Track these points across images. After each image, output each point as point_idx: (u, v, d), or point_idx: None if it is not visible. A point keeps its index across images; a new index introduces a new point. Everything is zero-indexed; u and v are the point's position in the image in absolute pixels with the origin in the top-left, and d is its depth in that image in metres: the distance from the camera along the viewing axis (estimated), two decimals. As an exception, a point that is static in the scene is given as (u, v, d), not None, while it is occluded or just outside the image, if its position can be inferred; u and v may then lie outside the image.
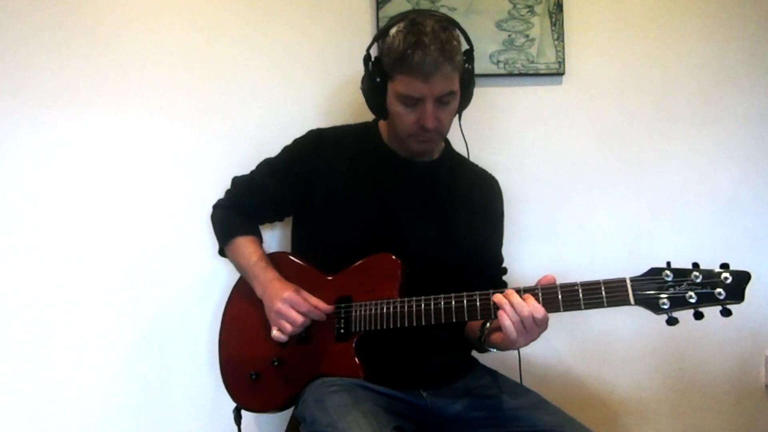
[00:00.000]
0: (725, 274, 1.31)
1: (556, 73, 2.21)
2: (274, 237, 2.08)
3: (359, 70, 1.74)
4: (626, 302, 1.37)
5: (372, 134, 1.83)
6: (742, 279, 1.31)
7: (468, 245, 1.79)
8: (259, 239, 1.86)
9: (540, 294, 1.44)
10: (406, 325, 1.58)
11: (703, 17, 2.29)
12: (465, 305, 1.52)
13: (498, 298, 1.46)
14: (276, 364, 1.70)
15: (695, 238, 2.27)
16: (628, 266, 2.13)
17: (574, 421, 1.57)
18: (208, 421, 2.10)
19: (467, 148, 1.88)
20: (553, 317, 1.44)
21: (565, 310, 1.42)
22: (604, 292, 1.38)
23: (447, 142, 1.89)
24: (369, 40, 1.75)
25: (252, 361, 1.74)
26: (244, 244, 1.81)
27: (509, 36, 2.17)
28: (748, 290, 1.31)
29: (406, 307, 1.58)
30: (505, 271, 1.90)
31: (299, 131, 1.87)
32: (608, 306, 1.38)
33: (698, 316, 1.33)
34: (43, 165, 2.03)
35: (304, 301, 1.61)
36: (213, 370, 1.88)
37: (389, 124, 1.76)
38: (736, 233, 2.29)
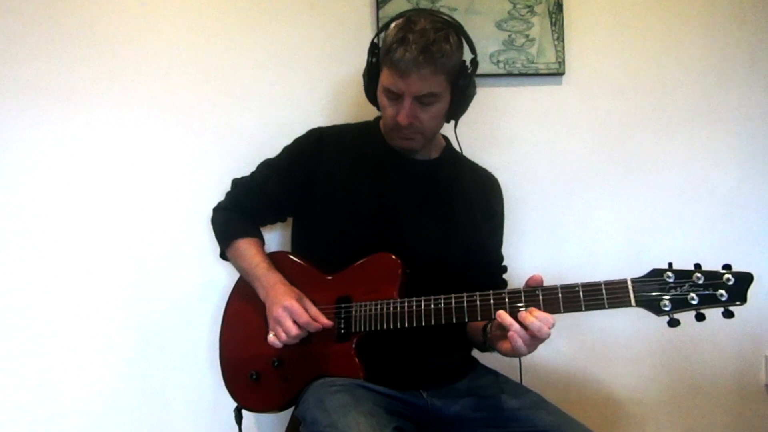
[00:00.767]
0: (727, 276, 1.31)
1: (556, 73, 2.21)
2: (274, 237, 2.07)
3: (359, 70, 1.76)
4: (627, 304, 1.36)
5: (373, 133, 1.83)
6: (744, 280, 1.31)
7: (468, 244, 1.79)
8: (261, 241, 1.85)
9: (540, 296, 1.44)
10: (407, 325, 1.58)
11: (703, 17, 2.29)
12: (465, 306, 1.52)
13: (501, 315, 1.44)
14: (276, 364, 1.69)
15: (695, 238, 2.27)
16: (628, 266, 2.14)
17: (574, 421, 1.57)
18: (209, 420, 2.10)
19: (461, 151, 1.90)
20: (553, 314, 1.43)
21: (565, 311, 1.41)
22: (605, 294, 1.38)
23: (447, 141, 1.89)
24: (369, 40, 1.76)
25: (252, 361, 1.74)
26: (245, 246, 1.80)
27: (509, 36, 2.17)
28: (749, 291, 1.31)
29: (406, 307, 1.58)
30: (505, 269, 1.91)
31: (299, 131, 1.88)
32: (609, 307, 1.38)
33: (700, 317, 1.33)
34: (42, 166, 2.03)
35: (303, 312, 1.60)
36: (214, 370, 1.88)
37: None
38: (736, 233, 2.29)
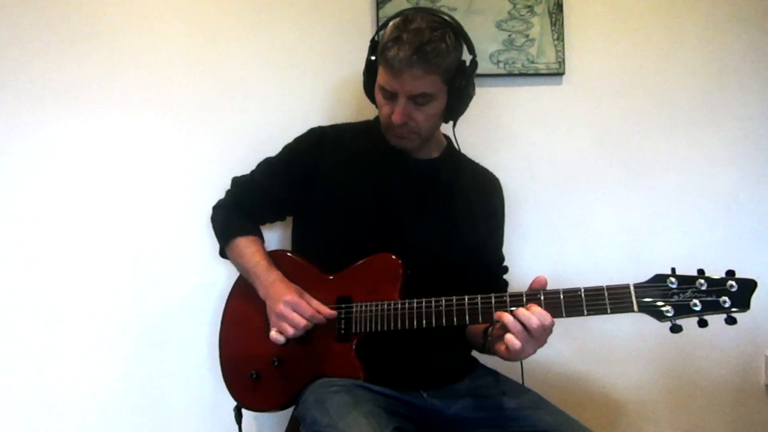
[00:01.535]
0: (731, 282, 1.30)
1: (556, 73, 2.21)
2: (274, 236, 2.07)
3: (359, 70, 1.76)
4: (630, 309, 1.36)
5: (373, 132, 1.81)
6: (747, 287, 1.31)
7: (468, 244, 1.79)
8: (261, 239, 1.85)
9: (542, 299, 1.43)
10: (407, 326, 1.58)
11: (703, 17, 2.28)
12: (466, 308, 1.52)
13: (500, 315, 1.44)
14: (276, 363, 1.69)
15: (695, 238, 2.27)
16: (628, 266, 2.17)
17: (575, 421, 1.57)
18: (209, 419, 2.10)
19: (459, 151, 1.89)
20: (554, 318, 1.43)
21: (567, 316, 1.41)
22: (607, 299, 1.38)
23: (449, 141, 1.89)
24: (369, 40, 1.76)
25: (252, 360, 1.74)
26: (245, 244, 1.80)
27: (509, 36, 2.17)
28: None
29: (407, 308, 1.58)
30: (505, 270, 1.91)
31: (299, 131, 1.87)
32: (611, 313, 1.38)
33: (702, 324, 1.33)
34: (42, 166, 2.03)
35: (307, 305, 1.61)
36: (214, 370, 1.88)
37: None
38: (737, 233, 2.29)
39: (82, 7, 2.03)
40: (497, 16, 2.16)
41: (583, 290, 1.41)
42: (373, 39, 1.73)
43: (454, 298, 1.54)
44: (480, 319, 1.52)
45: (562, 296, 1.42)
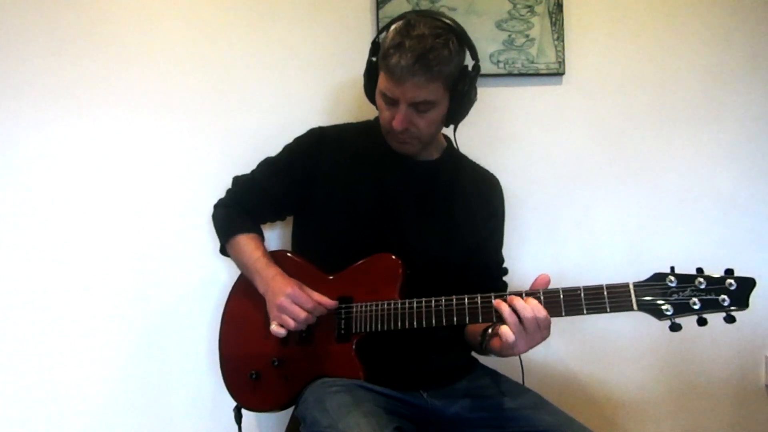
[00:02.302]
0: (730, 280, 1.30)
1: (556, 73, 2.21)
2: (274, 236, 2.07)
3: (359, 70, 1.75)
4: (629, 308, 1.36)
5: (373, 133, 1.81)
6: (746, 285, 1.30)
7: (468, 244, 1.79)
8: (261, 237, 1.86)
9: (542, 298, 1.43)
10: (407, 326, 1.58)
11: (703, 17, 2.28)
12: (466, 307, 1.52)
13: (498, 302, 1.45)
14: (276, 363, 1.69)
15: (695, 238, 2.27)
16: (628, 266, 2.17)
17: (574, 422, 1.57)
18: (209, 419, 2.10)
19: (459, 152, 1.89)
20: (554, 317, 1.43)
21: (567, 315, 1.41)
22: (606, 297, 1.38)
23: (449, 142, 1.88)
24: (369, 40, 1.76)
25: (252, 360, 1.74)
26: (245, 241, 1.80)
27: (509, 36, 2.17)
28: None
29: (407, 308, 1.58)
30: (505, 271, 1.90)
31: (300, 131, 1.87)
32: (611, 311, 1.38)
33: (702, 322, 1.32)
34: (43, 166, 2.03)
35: (307, 297, 1.61)
36: (214, 369, 1.88)
37: None
38: (736, 233, 2.29)
39: (82, 7, 2.03)
40: (497, 16, 2.16)
41: (582, 289, 1.40)
42: (374, 41, 1.72)
43: (454, 297, 1.54)
44: (480, 318, 1.51)
45: (561, 295, 1.42)
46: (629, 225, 2.27)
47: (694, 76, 2.29)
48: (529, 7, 2.17)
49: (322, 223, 1.77)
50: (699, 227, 2.28)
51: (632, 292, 1.36)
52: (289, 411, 1.79)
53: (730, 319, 1.31)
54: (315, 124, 1.89)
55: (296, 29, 2.13)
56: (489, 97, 2.16)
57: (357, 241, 1.72)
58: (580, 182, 2.25)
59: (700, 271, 1.34)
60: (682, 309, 1.32)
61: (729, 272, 1.33)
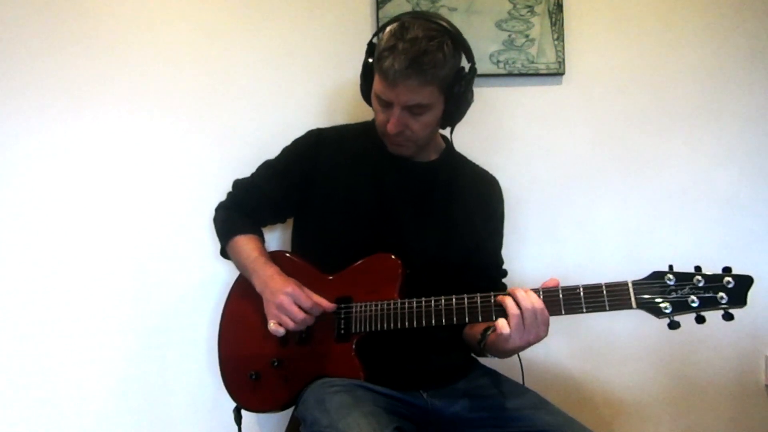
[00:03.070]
0: (727, 278, 1.31)
1: (556, 73, 2.21)
2: (274, 237, 2.07)
3: (359, 70, 1.75)
4: (628, 306, 1.37)
5: (372, 134, 1.80)
6: (744, 283, 1.31)
7: (468, 245, 1.79)
8: (261, 238, 1.86)
9: (542, 297, 1.44)
10: (407, 326, 1.58)
11: (703, 17, 2.28)
12: (466, 306, 1.53)
13: (501, 297, 1.46)
14: (276, 364, 1.70)
15: (695, 238, 2.27)
16: (628, 266, 2.16)
17: (574, 421, 1.57)
18: (209, 420, 2.10)
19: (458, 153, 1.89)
20: (554, 317, 1.44)
21: (566, 313, 1.41)
22: (605, 296, 1.38)
23: (447, 142, 1.88)
24: (369, 40, 1.74)
25: (251, 361, 1.74)
26: (244, 242, 1.80)
27: (509, 36, 2.17)
28: (749, 293, 1.31)
29: (406, 308, 1.58)
30: (505, 273, 1.90)
31: (300, 131, 1.88)
32: (610, 309, 1.38)
33: (700, 320, 1.33)
34: (43, 166, 2.03)
35: (307, 297, 1.61)
36: (213, 370, 1.88)
37: None
38: (736, 233, 2.29)
39: (82, 7, 2.04)
40: (497, 16, 2.16)
41: (581, 287, 1.41)
42: (371, 42, 1.71)
43: (454, 297, 1.54)
44: (480, 318, 1.52)
45: (561, 293, 1.43)
46: (629, 225, 2.27)
47: (694, 76, 2.29)
48: (529, 7, 2.17)
49: (321, 224, 1.77)
50: (699, 227, 2.28)
51: (631, 290, 1.37)
52: (289, 411, 1.79)
53: (728, 317, 1.32)
54: (315, 124, 1.90)
55: (296, 29, 2.13)
56: (489, 97, 2.17)
57: (356, 242, 1.72)
58: (580, 182, 2.25)
59: (698, 269, 1.35)
60: (681, 307, 1.33)
61: (727, 270, 1.34)
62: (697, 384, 2.31)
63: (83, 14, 2.04)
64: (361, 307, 1.64)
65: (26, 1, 2.01)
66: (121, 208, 2.07)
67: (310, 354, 1.67)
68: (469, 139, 1.88)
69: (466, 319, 1.53)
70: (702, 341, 2.30)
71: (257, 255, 1.74)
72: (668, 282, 1.34)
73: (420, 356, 1.70)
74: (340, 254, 1.72)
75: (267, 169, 1.87)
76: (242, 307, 1.80)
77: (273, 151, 1.88)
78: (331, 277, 1.72)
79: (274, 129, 2.01)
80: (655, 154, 2.27)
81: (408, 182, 1.78)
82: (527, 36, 2.18)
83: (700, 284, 1.32)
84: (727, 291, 1.30)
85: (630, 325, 2.25)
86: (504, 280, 1.89)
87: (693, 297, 1.32)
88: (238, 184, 1.90)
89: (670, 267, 1.36)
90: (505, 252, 1.91)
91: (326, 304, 1.63)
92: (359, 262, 1.70)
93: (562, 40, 2.19)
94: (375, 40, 1.69)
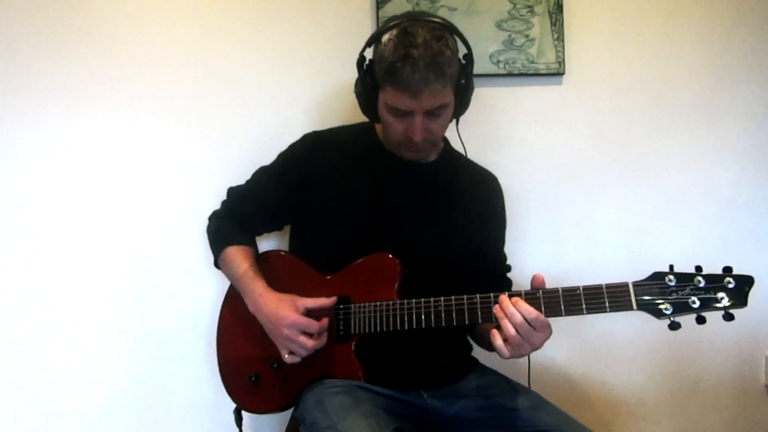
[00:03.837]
0: (728, 279, 1.31)
1: (556, 73, 2.21)
2: (272, 241, 2.06)
3: (359, 72, 1.74)
4: (629, 307, 1.36)
5: (369, 135, 1.81)
6: (745, 284, 1.31)
7: (468, 246, 1.79)
8: (251, 248, 1.83)
9: (542, 298, 1.43)
10: (406, 327, 1.57)
11: (703, 17, 2.28)
12: (465, 307, 1.52)
13: (496, 309, 1.45)
14: (275, 365, 1.69)
15: (695, 238, 2.27)
16: (628, 266, 2.16)
17: (574, 421, 1.57)
18: (209, 421, 2.10)
19: (465, 151, 1.88)
20: (554, 318, 1.43)
21: (567, 315, 1.41)
22: (606, 297, 1.38)
23: (446, 141, 1.88)
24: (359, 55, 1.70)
25: (250, 363, 1.74)
26: (233, 254, 1.78)
27: (509, 36, 2.17)
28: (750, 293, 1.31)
29: (405, 309, 1.58)
30: (509, 268, 1.89)
31: (300, 131, 1.87)
32: (610, 311, 1.38)
33: (700, 320, 1.33)
34: (42, 168, 2.03)
35: (309, 322, 1.59)
36: (213, 372, 1.87)
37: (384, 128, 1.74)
38: (736, 233, 2.29)
39: (81, 7, 2.03)
40: (497, 16, 2.16)
41: (582, 289, 1.40)
42: (361, 55, 1.66)
43: (453, 297, 1.54)
44: (479, 318, 1.51)
45: (561, 295, 1.42)
46: (629, 225, 2.27)
47: (694, 76, 2.29)
48: (529, 7, 2.17)
49: (320, 225, 1.76)
50: (699, 227, 2.28)
51: (632, 291, 1.36)
52: (289, 412, 1.78)
53: (728, 317, 1.31)
54: (315, 125, 1.90)
55: (296, 29, 2.13)
56: (489, 97, 2.17)
57: (355, 244, 1.71)
58: (580, 182, 2.25)
59: (698, 269, 1.34)
60: (682, 308, 1.33)
61: (727, 270, 1.33)
62: (697, 384, 2.31)
63: (83, 14, 2.04)
64: (360, 307, 1.64)
65: (26, 1, 2.01)
66: (121, 208, 2.07)
67: (309, 355, 1.66)
68: (470, 139, 1.87)
69: (466, 320, 1.52)
70: (702, 341, 2.30)
71: (245, 268, 1.73)
72: (669, 283, 1.34)
73: (420, 356, 1.69)
74: (338, 256, 1.71)
75: (262, 174, 1.86)
76: (239, 309, 1.77)
77: (273, 152, 1.87)
78: (329, 277, 1.71)
79: (274, 129, 2.02)
80: (656, 154, 2.27)
81: (407, 183, 1.77)
82: (527, 36, 2.17)
83: (701, 285, 1.32)
84: (727, 291, 1.30)
85: (630, 326, 2.25)
86: (508, 275, 1.88)
87: (694, 298, 1.32)
88: (232, 192, 1.89)
89: (671, 267, 1.36)
90: (506, 251, 1.92)
91: (326, 302, 1.63)
92: (358, 261, 1.69)
93: (562, 40, 2.19)
94: (371, 55, 1.65)
